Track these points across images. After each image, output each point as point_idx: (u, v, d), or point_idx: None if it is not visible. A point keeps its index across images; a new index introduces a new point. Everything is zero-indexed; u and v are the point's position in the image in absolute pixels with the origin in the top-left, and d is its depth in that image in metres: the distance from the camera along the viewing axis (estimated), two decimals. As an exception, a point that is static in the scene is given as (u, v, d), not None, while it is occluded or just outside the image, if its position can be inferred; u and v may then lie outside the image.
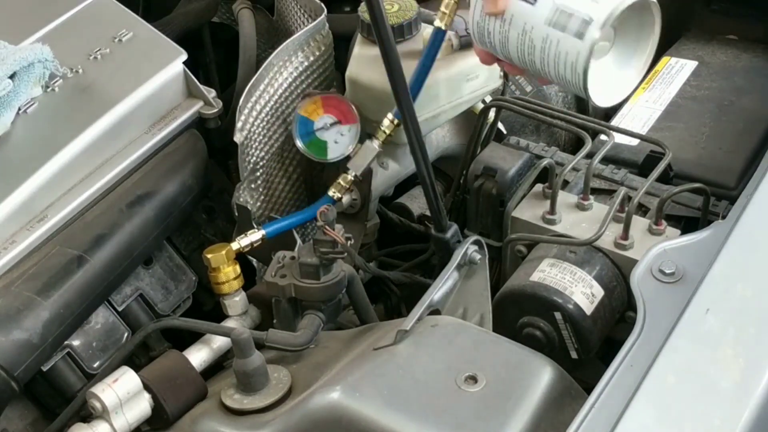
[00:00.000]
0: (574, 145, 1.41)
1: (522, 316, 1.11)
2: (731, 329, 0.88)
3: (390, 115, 1.17)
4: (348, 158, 1.22)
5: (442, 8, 1.05)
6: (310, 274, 1.06)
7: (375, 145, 1.19)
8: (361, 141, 1.22)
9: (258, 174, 1.28)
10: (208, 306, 1.30)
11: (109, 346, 1.17)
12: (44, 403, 1.14)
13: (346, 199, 1.23)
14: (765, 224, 0.98)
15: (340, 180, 1.20)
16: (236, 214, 1.23)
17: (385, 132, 1.18)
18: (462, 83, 1.22)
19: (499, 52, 0.96)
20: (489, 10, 0.92)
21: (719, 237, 0.96)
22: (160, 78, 1.25)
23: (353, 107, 1.22)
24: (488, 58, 0.99)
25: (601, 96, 0.92)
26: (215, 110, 1.29)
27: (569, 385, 0.94)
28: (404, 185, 1.34)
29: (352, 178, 1.20)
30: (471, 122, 1.28)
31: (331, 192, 1.20)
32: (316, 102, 1.23)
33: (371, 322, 1.14)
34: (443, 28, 1.07)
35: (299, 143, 1.24)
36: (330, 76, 1.37)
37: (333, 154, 1.24)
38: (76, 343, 1.14)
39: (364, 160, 1.20)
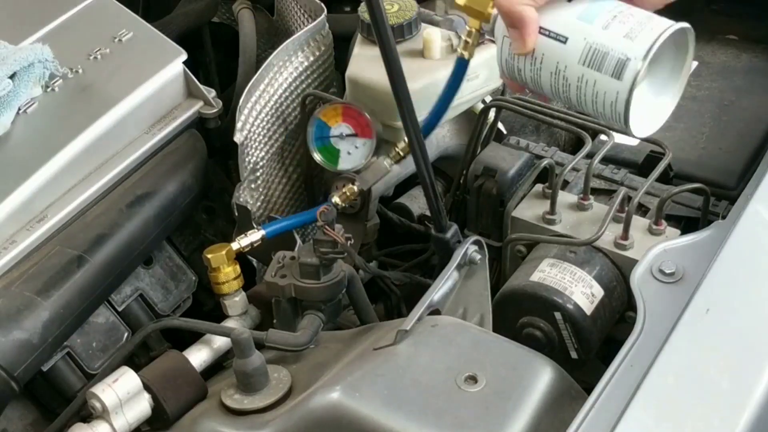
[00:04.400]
0: (574, 145, 1.41)
1: (522, 316, 1.11)
2: (731, 329, 0.88)
3: (407, 139, 1.15)
4: (357, 170, 1.22)
5: (465, 37, 1.01)
6: (310, 274, 1.06)
7: (386, 164, 1.18)
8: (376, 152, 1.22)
9: (258, 174, 1.28)
10: (208, 306, 1.30)
11: (109, 346, 1.17)
12: (44, 403, 1.14)
13: (346, 199, 1.23)
14: (765, 224, 0.98)
15: (345, 190, 1.19)
16: (236, 214, 1.23)
17: (399, 153, 1.17)
18: (462, 83, 1.22)
19: (531, 88, 0.93)
20: (517, 51, 0.89)
21: (719, 237, 0.96)
22: (160, 78, 1.25)
23: (372, 124, 1.21)
24: (519, 89, 0.97)
25: (640, 127, 0.89)
26: (215, 110, 1.29)
27: (569, 385, 0.94)
28: (404, 185, 1.34)
29: (358, 191, 1.20)
30: (471, 122, 1.28)
31: (335, 199, 1.20)
32: (336, 109, 1.22)
33: (371, 322, 1.14)
34: (467, 58, 1.02)
35: (313, 148, 1.24)
36: (330, 76, 1.37)
37: (344, 165, 1.23)
38: (76, 343, 1.14)
39: (373, 177, 1.19)
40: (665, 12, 0.88)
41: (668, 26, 0.85)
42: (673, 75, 0.91)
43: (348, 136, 1.22)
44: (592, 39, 0.85)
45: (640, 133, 0.90)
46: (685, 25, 0.86)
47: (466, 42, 1.01)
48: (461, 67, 1.04)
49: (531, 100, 1.24)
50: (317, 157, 1.24)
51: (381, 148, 1.25)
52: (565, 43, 0.87)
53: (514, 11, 0.87)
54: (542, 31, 0.88)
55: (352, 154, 1.23)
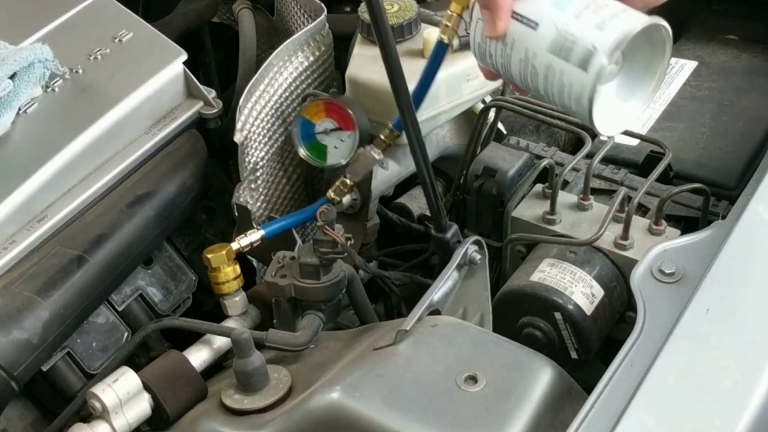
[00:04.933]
0: (574, 145, 1.41)
1: (522, 316, 1.11)
2: (731, 329, 0.88)
3: (390, 124, 1.16)
4: (347, 164, 1.22)
5: (445, 21, 1.00)
6: (310, 274, 1.06)
7: (374, 154, 1.18)
8: (361, 143, 1.22)
9: (258, 174, 1.28)
10: (208, 306, 1.30)
11: (109, 346, 1.17)
12: (44, 403, 1.14)
13: (346, 199, 1.23)
14: (765, 224, 0.98)
15: (339, 184, 1.20)
16: (236, 214, 1.23)
17: (384, 141, 1.17)
18: (462, 83, 1.22)
19: (501, 74, 0.91)
20: (489, 33, 0.86)
21: (719, 237, 0.96)
22: (160, 78, 1.25)
23: (353, 115, 1.21)
24: (492, 76, 0.95)
25: (606, 125, 0.86)
26: (215, 110, 1.29)
27: (569, 385, 0.94)
28: (404, 185, 1.34)
29: (351, 183, 1.20)
30: (471, 122, 1.28)
31: (330, 194, 1.20)
32: (318, 105, 1.23)
33: (371, 322, 1.14)
34: (446, 41, 1.01)
35: (300, 146, 1.24)
36: (330, 76, 1.37)
37: (332, 159, 1.23)
38: (76, 343, 1.14)
39: (363, 167, 1.19)
40: (665, 12, 0.88)
41: (641, 20, 0.81)
42: (648, 75, 0.87)
43: (332, 130, 1.22)
44: (562, 26, 0.82)
45: (606, 131, 0.87)
46: (661, 21, 0.83)
47: (446, 26, 1.00)
48: (440, 51, 1.04)
49: (531, 100, 1.24)
50: (304, 153, 1.24)
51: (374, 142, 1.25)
52: (535, 29, 0.83)
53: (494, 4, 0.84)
54: (515, 15, 0.85)
55: (338, 147, 1.23)
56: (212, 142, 1.31)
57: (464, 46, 1.20)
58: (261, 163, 1.28)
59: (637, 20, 0.81)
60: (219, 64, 1.63)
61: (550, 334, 1.10)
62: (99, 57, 1.29)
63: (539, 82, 0.86)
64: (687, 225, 1.18)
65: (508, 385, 0.91)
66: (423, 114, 1.17)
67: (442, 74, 1.19)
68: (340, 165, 1.23)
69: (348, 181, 1.19)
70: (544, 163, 1.21)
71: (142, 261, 1.22)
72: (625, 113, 0.88)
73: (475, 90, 1.24)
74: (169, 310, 1.25)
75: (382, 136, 1.17)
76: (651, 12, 0.84)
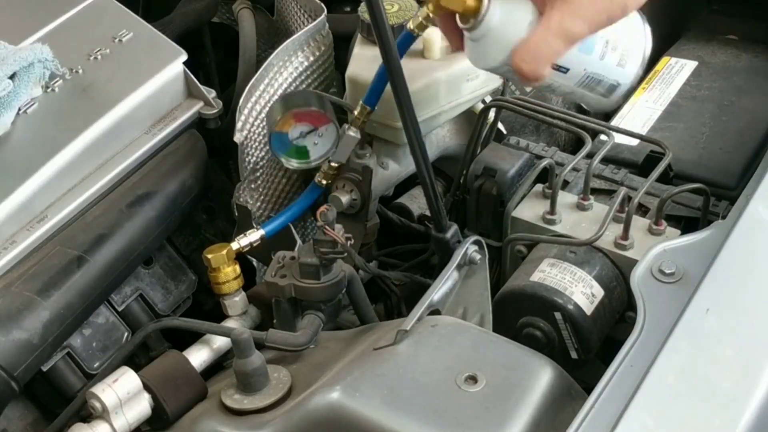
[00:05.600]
0: (574, 145, 1.41)
1: (522, 316, 1.11)
2: (731, 329, 0.88)
3: (360, 101, 1.16)
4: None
5: (420, 15, 1.07)
6: (310, 274, 1.06)
7: (353, 133, 1.18)
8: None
9: (258, 174, 1.28)
10: (208, 306, 1.30)
11: (109, 346, 1.17)
12: (44, 403, 1.14)
13: (345, 199, 1.23)
14: (765, 224, 0.98)
15: (326, 168, 1.19)
16: (236, 214, 1.23)
17: (358, 118, 1.17)
18: (462, 83, 1.22)
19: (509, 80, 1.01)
20: (524, 84, 0.95)
21: (719, 237, 0.96)
22: (160, 78, 1.25)
23: (323, 109, 1.19)
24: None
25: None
26: (215, 110, 1.29)
27: (569, 385, 0.94)
28: (404, 185, 1.34)
29: (336, 165, 1.20)
30: (471, 122, 1.28)
31: (318, 177, 1.20)
32: (285, 118, 1.19)
33: (371, 322, 1.14)
34: (414, 34, 1.09)
35: (281, 158, 1.20)
36: (330, 76, 1.37)
37: (315, 155, 1.21)
38: (76, 343, 1.14)
39: (345, 148, 1.19)
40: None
41: (646, 48, 0.93)
42: None
43: (308, 133, 1.21)
44: (591, 69, 0.92)
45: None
46: (648, 28, 0.93)
47: (421, 22, 1.08)
48: (406, 38, 1.11)
49: (531, 100, 1.24)
50: (286, 162, 1.21)
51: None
52: (566, 73, 0.92)
53: (531, 75, 0.88)
54: None
55: (318, 143, 1.21)
56: (212, 142, 1.31)
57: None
58: (261, 163, 1.28)
59: (643, 48, 0.93)
60: (219, 64, 1.63)
61: (550, 334, 1.10)
62: (99, 57, 1.29)
63: (554, 94, 0.95)
64: (687, 225, 1.18)
65: (508, 385, 0.91)
66: (423, 114, 1.17)
67: (443, 74, 1.20)
68: (326, 157, 1.21)
69: (334, 164, 1.19)
70: (544, 163, 1.21)
71: (143, 261, 1.22)
72: None
73: (475, 90, 1.24)
74: (169, 310, 1.25)
75: (355, 113, 1.17)
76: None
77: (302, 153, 1.21)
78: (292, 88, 1.30)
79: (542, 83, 0.92)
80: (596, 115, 1.38)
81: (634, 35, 0.93)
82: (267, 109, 1.27)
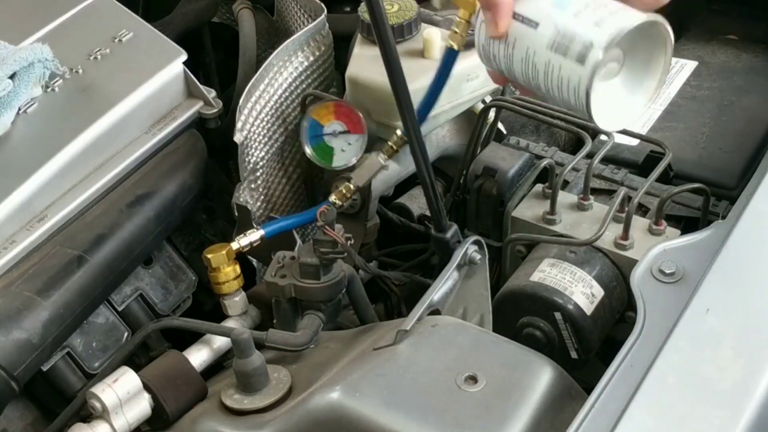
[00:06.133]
0: (574, 145, 1.41)
1: (522, 316, 1.11)
2: (731, 329, 0.88)
3: (399, 132, 1.15)
4: (352, 167, 1.21)
5: (453, 27, 1.01)
6: (310, 274, 1.06)
7: (381, 159, 1.18)
8: (368, 149, 1.21)
9: (258, 174, 1.28)
10: (208, 306, 1.30)
11: (109, 346, 1.17)
12: (44, 403, 1.14)
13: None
14: (765, 224, 0.98)
15: (342, 188, 1.19)
16: (236, 214, 1.23)
17: (392, 147, 1.17)
18: (462, 83, 1.22)
19: (506, 75, 0.93)
20: (491, 33, 0.89)
21: (719, 237, 0.96)
22: (160, 78, 1.25)
23: (363, 118, 1.21)
24: (499, 79, 0.96)
25: (606, 120, 0.88)
26: (215, 110, 1.29)
27: (569, 385, 0.94)
28: (404, 185, 1.34)
29: (354, 188, 1.19)
30: (471, 122, 1.28)
31: (332, 198, 1.20)
32: (328, 107, 1.22)
33: (371, 322, 1.14)
34: (456, 48, 1.02)
35: (307, 146, 1.23)
36: (330, 76, 1.37)
37: (338, 162, 1.23)
38: (76, 343, 1.14)
39: (368, 172, 1.19)
40: (665, 12, 0.88)
41: (638, 17, 0.84)
42: (650, 72, 0.89)
43: (341, 133, 1.22)
44: (561, 25, 0.85)
45: (606, 126, 0.90)
46: (659, 18, 0.85)
47: (454, 32, 1.01)
48: (450, 57, 1.04)
49: (531, 100, 1.24)
50: (311, 154, 1.24)
51: (380, 148, 1.25)
52: (536, 28, 0.86)
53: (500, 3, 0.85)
54: (516, 16, 0.87)
55: (345, 150, 1.22)
56: (212, 142, 1.31)
57: (465, 46, 1.21)
58: (261, 163, 1.28)
59: (634, 17, 0.83)
60: (219, 64, 1.63)
61: (550, 334, 1.10)
62: (99, 57, 1.29)
63: (540, 79, 0.88)
64: (687, 225, 1.18)
65: (507, 385, 0.91)
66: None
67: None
68: (344, 168, 1.23)
69: (352, 186, 1.19)
70: (544, 163, 1.21)
71: (142, 261, 1.22)
72: (628, 110, 0.90)
73: (475, 90, 1.24)
74: (169, 310, 1.25)
75: (390, 143, 1.17)
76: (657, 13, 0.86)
77: (327, 153, 1.23)
78: (292, 88, 1.30)
79: (513, 38, 0.86)
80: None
81: (621, 11, 0.84)
82: (267, 109, 1.27)
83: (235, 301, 1.15)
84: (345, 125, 1.22)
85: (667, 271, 0.94)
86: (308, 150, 1.24)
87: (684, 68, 1.46)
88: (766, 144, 1.29)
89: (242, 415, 0.96)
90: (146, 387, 1.01)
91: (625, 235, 1.12)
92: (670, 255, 0.96)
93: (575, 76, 0.84)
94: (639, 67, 0.88)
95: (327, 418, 0.91)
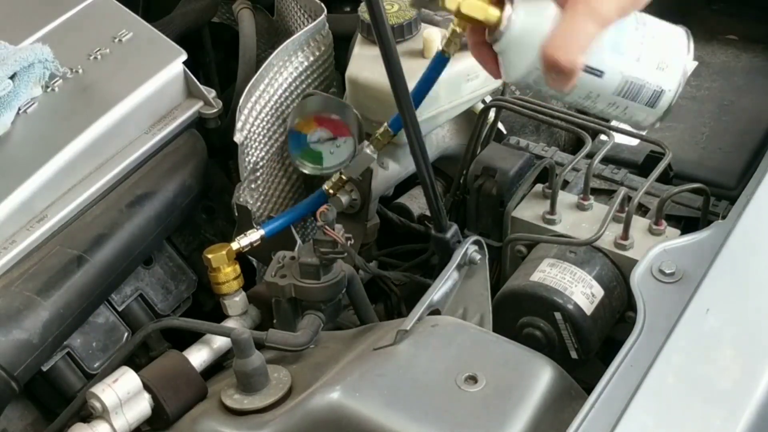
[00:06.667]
0: (574, 145, 1.41)
1: (522, 316, 1.11)
2: (731, 329, 0.88)
3: (386, 124, 1.15)
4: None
5: (448, 34, 1.01)
6: (310, 274, 1.06)
7: (369, 151, 1.18)
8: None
9: (258, 174, 1.28)
10: (208, 306, 1.30)
11: (109, 346, 1.17)
12: (44, 403, 1.14)
13: (345, 199, 1.23)
14: (765, 224, 0.98)
15: (335, 179, 1.19)
16: (236, 214, 1.23)
17: (378, 139, 1.17)
18: (462, 83, 1.22)
19: (543, 98, 0.93)
20: (557, 89, 0.85)
21: (719, 237, 0.96)
22: (160, 78, 1.25)
23: (345, 122, 1.19)
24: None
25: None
26: (215, 110, 1.29)
27: (569, 385, 0.94)
28: (404, 185, 1.34)
29: (345, 178, 1.19)
30: (471, 122, 1.28)
31: (326, 185, 1.20)
32: (308, 118, 1.20)
33: (371, 322, 1.14)
34: (446, 56, 1.02)
35: (295, 158, 1.21)
36: (330, 76, 1.37)
37: (328, 163, 1.21)
38: (76, 343, 1.14)
39: (359, 165, 1.19)
40: (665, 13, 0.88)
41: (683, 44, 0.87)
42: None
43: (326, 140, 1.21)
44: (628, 73, 0.86)
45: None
46: (688, 32, 0.88)
47: (449, 40, 1.01)
48: (439, 63, 1.04)
49: (531, 100, 1.24)
50: (301, 162, 1.21)
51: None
52: (601, 77, 0.86)
53: (566, 64, 0.81)
54: None
55: (334, 153, 1.21)
56: (212, 142, 1.31)
57: (464, 46, 1.20)
58: (261, 163, 1.28)
59: (682, 45, 0.87)
60: (219, 64, 1.63)
61: (550, 334, 1.10)
62: (99, 57, 1.29)
63: (596, 110, 0.89)
64: (687, 225, 1.18)
65: (507, 385, 0.91)
66: (423, 114, 1.17)
67: (443, 75, 1.19)
68: (338, 168, 1.22)
69: (344, 177, 1.19)
70: (544, 163, 1.21)
71: (142, 261, 1.22)
72: None
73: (475, 90, 1.24)
74: (169, 310, 1.25)
75: (378, 136, 1.16)
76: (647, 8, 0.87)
77: (317, 158, 1.21)
78: (292, 88, 1.30)
79: (575, 86, 0.85)
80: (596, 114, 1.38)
81: (671, 42, 0.87)
82: (267, 109, 1.27)
83: (235, 301, 1.15)
84: (329, 131, 1.20)
85: (667, 271, 0.94)
86: (297, 161, 1.21)
87: (684, 68, 1.46)
88: (766, 144, 1.29)
89: (242, 415, 0.96)
90: (146, 387, 1.01)
91: (625, 235, 1.12)
92: (670, 255, 0.96)
93: (642, 114, 0.89)
94: None
95: (327, 418, 0.91)
